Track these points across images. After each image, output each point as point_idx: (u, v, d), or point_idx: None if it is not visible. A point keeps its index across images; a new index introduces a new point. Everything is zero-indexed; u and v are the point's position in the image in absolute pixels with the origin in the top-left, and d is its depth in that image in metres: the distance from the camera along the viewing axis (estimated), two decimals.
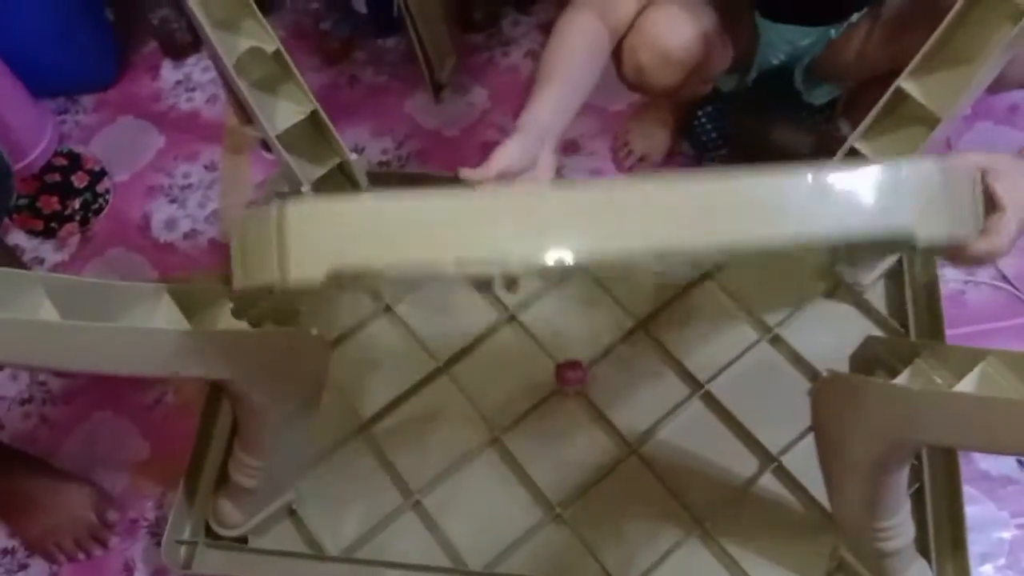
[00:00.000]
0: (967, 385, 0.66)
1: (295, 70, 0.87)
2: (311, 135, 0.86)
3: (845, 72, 1.10)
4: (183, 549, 1.06)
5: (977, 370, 0.67)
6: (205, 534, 1.06)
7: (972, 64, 0.77)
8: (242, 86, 0.86)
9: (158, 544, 1.04)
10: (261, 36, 0.86)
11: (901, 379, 0.72)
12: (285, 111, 0.88)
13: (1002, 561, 1.02)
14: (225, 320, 0.76)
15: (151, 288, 0.70)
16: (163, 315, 0.69)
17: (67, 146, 1.42)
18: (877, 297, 1.16)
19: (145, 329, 0.67)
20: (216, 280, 1.20)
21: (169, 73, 1.49)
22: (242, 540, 1.05)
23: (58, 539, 1.07)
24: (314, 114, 0.88)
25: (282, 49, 0.85)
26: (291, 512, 1.07)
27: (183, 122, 1.44)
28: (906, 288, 1.15)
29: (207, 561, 1.05)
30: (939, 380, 0.72)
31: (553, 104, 0.90)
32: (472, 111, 1.41)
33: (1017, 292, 1.17)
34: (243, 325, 0.77)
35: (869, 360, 0.80)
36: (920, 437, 0.74)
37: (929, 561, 0.98)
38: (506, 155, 0.81)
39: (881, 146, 0.82)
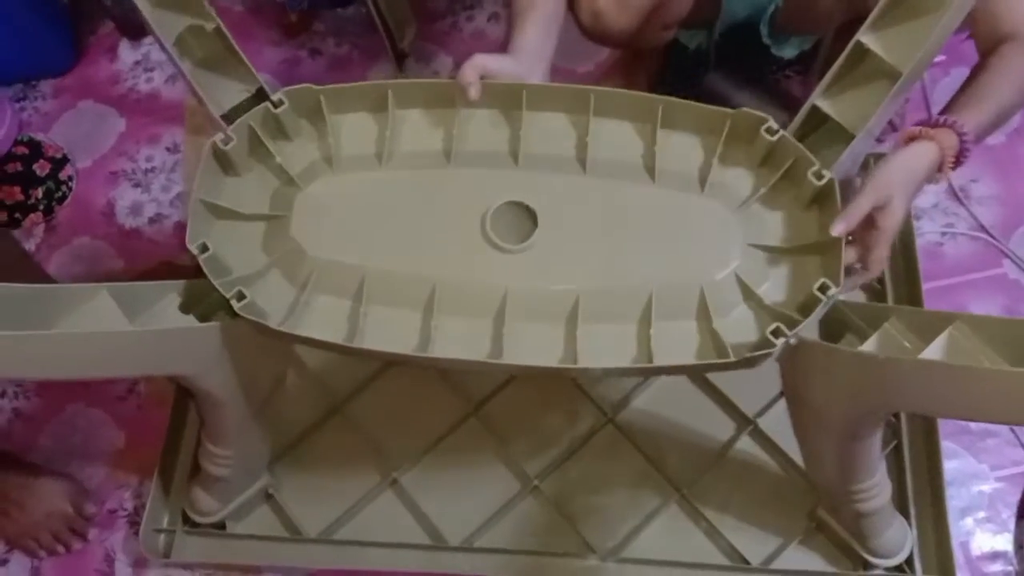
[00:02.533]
0: (934, 351, 0.65)
1: (237, 47, 0.84)
2: None
3: (809, 22, 1.07)
4: (162, 538, 1.06)
5: (944, 335, 0.65)
6: (183, 522, 1.05)
7: (932, 15, 0.74)
8: (184, 67, 0.83)
9: (137, 534, 1.04)
10: (201, 13, 0.83)
11: (868, 345, 0.71)
12: (230, 90, 0.85)
13: (982, 514, 1.01)
14: (172, 316, 0.74)
15: (89, 289, 0.68)
16: (104, 316, 0.67)
17: (27, 134, 1.39)
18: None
19: (83, 333, 0.65)
20: (178, 267, 1.19)
21: (127, 54, 1.46)
22: (220, 526, 1.05)
23: (36, 534, 1.07)
24: (260, 91, 0.85)
25: (222, 26, 0.82)
26: (268, 496, 1.06)
27: (143, 104, 1.40)
28: None
29: (186, 549, 1.05)
30: (907, 345, 0.70)
31: (539, 28, 0.88)
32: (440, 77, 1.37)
33: (995, 241, 1.15)
34: (191, 320, 0.75)
35: (837, 325, 0.79)
36: (888, 404, 0.74)
37: (908, 518, 0.98)
38: (484, 59, 0.81)
39: (843, 103, 0.80)
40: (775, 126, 0.79)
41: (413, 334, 0.77)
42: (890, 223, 0.75)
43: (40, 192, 1.33)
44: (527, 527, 1.04)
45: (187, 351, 0.73)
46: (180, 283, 0.77)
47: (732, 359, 0.72)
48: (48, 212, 1.32)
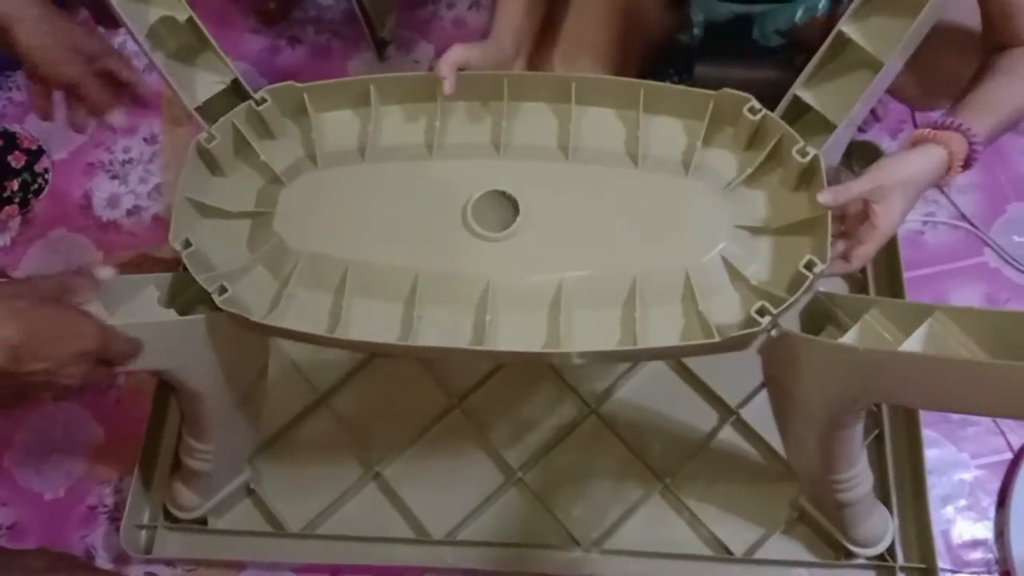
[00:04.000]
0: (914, 343, 0.65)
1: (212, 39, 0.83)
2: (234, 105, 0.83)
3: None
4: (143, 534, 1.05)
5: (924, 326, 0.65)
6: (164, 518, 1.05)
7: (914, 5, 0.74)
8: (157, 59, 0.82)
9: (118, 530, 1.02)
10: (173, 4, 0.82)
11: (848, 337, 0.71)
12: (205, 82, 0.84)
13: (963, 502, 1.02)
14: (152, 310, 0.73)
15: None
16: None
17: (2, 125, 1.36)
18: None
19: None
20: (157, 259, 1.17)
21: None
22: (201, 522, 1.04)
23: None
24: (235, 83, 0.84)
25: (195, 17, 0.81)
26: (249, 491, 1.05)
27: None
28: None
29: (167, 545, 1.04)
30: (888, 337, 0.70)
31: (521, 5, 0.88)
32: (418, 69, 1.36)
33: (976, 230, 1.16)
34: (171, 313, 0.74)
35: (819, 316, 0.79)
36: (869, 395, 0.73)
37: (890, 507, 0.98)
38: (461, 52, 0.80)
39: (825, 93, 0.79)
40: (758, 105, 0.79)
41: (395, 324, 0.76)
42: (886, 223, 0.74)
43: (16, 184, 1.31)
44: (511, 519, 1.04)
45: (167, 345, 0.72)
46: (160, 276, 0.76)
47: (717, 339, 0.72)
48: (24, 205, 1.30)
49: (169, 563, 1.05)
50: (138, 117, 1.35)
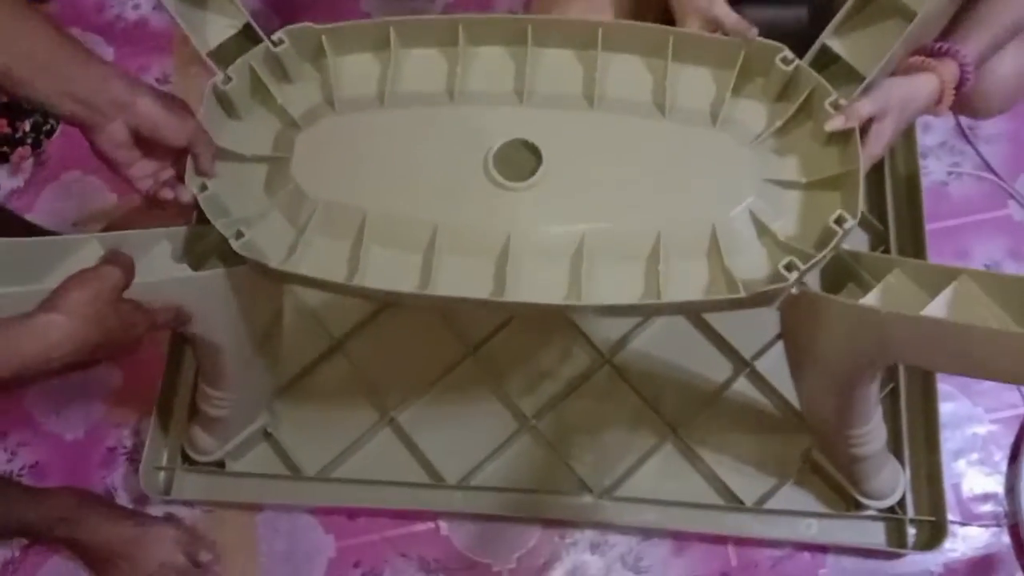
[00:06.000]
0: (937, 307, 0.64)
1: None
2: (247, 50, 0.81)
3: None
4: (162, 475, 1.07)
5: (949, 290, 0.64)
6: (182, 460, 1.06)
7: None
8: (168, 3, 0.80)
9: (137, 471, 1.04)
10: None
11: (870, 298, 0.69)
12: (216, 25, 0.82)
13: (975, 456, 1.02)
14: (165, 266, 0.73)
15: (78, 241, 0.67)
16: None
17: None
18: None
19: None
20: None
21: None
22: (219, 465, 1.05)
23: None
24: (247, 27, 0.82)
25: None
26: (266, 435, 1.07)
27: (131, 33, 1.36)
28: (886, 182, 1.11)
29: (185, 487, 1.06)
30: (911, 299, 0.69)
31: None
32: (433, 5, 1.33)
33: (1001, 182, 1.13)
34: (184, 268, 0.74)
35: (840, 274, 0.78)
36: (888, 357, 0.73)
37: (902, 460, 0.99)
38: None
39: (855, 43, 0.77)
40: (790, 55, 0.76)
41: (414, 273, 0.75)
42: (877, 144, 0.74)
43: (28, 125, 1.30)
44: (523, 466, 1.05)
45: (182, 300, 0.72)
46: (171, 230, 0.75)
47: (743, 295, 0.70)
48: (37, 146, 1.29)
49: (188, 504, 1.07)
50: (150, 57, 1.33)
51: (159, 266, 0.72)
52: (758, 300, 0.72)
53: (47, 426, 1.13)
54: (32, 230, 1.12)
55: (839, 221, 0.71)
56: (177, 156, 0.75)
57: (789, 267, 0.71)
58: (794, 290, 0.74)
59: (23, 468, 1.11)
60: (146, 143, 0.73)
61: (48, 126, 1.30)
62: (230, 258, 0.75)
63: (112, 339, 0.62)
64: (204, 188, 0.76)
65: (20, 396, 1.14)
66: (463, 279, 0.74)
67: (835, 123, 0.72)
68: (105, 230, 1.12)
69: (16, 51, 0.64)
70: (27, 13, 0.66)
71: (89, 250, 0.67)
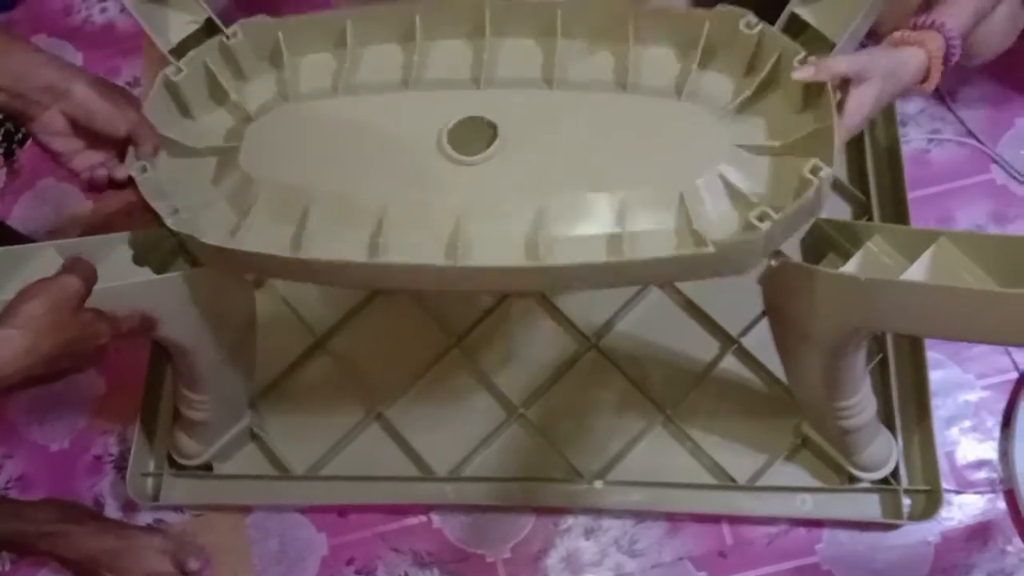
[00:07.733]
0: (917, 271, 0.63)
1: None
2: None
3: None
4: (149, 481, 1.06)
5: (928, 253, 0.64)
6: (169, 465, 1.05)
7: None
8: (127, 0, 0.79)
9: (124, 478, 1.03)
10: None
11: (850, 266, 0.69)
12: (177, 21, 0.81)
13: (967, 423, 1.01)
14: (126, 270, 0.71)
15: (35, 249, 0.66)
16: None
17: None
18: (836, 162, 1.11)
19: None
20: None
21: None
22: (207, 468, 1.04)
23: None
24: (209, 23, 0.81)
25: None
26: (253, 436, 1.06)
27: (99, 36, 1.34)
28: (867, 152, 1.10)
29: (174, 491, 1.05)
30: (891, 264, 0.68)
31: None
32: None
33: (983, 146, 1.12)
34: (145, 271, 0.72)
35: (819, 244, 0.77)
36: (872, 325, 0.72)
37: (894, 430, 0.98)
38: None
39: (823, 10, 0.76)
40: (755, 19, 0.75)
41: (362, 246, 0.72)
42: (856, 111, 0.71)
43: None
44: (514, 454, 1.04)
45: (145, 304, 0.71)
46: (132, 233, 0.74)
47: (712, 250, 0.67)
48: (9, 155, 1.28)
49: (177, 509, 1.05)
50: (120, 60, 1.32)
51: (119, 271, 0.71)
52: (732, 261, 0.70)
53: (31, 437, 1.12)
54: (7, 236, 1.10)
55: (814, 170, 0.68)
56: (123, 148, 0.73)
57: (761, 217, 0.67)
58: (773, 262, 0.73)
59: (9, 481, 1.10)
60: (87, 133, 0.71)
61: (20, 135, 1.28)
62: (194, 261, 0.73)
63: (73, 349, 0.61)
64: (144, 170, 0.73)
65: (2, 408, 1.13)
66: (414, 249, 0.71)
67: (804, 72, 0.70)
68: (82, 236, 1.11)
69: None
70: None
71: (46, 259, 0.66)
